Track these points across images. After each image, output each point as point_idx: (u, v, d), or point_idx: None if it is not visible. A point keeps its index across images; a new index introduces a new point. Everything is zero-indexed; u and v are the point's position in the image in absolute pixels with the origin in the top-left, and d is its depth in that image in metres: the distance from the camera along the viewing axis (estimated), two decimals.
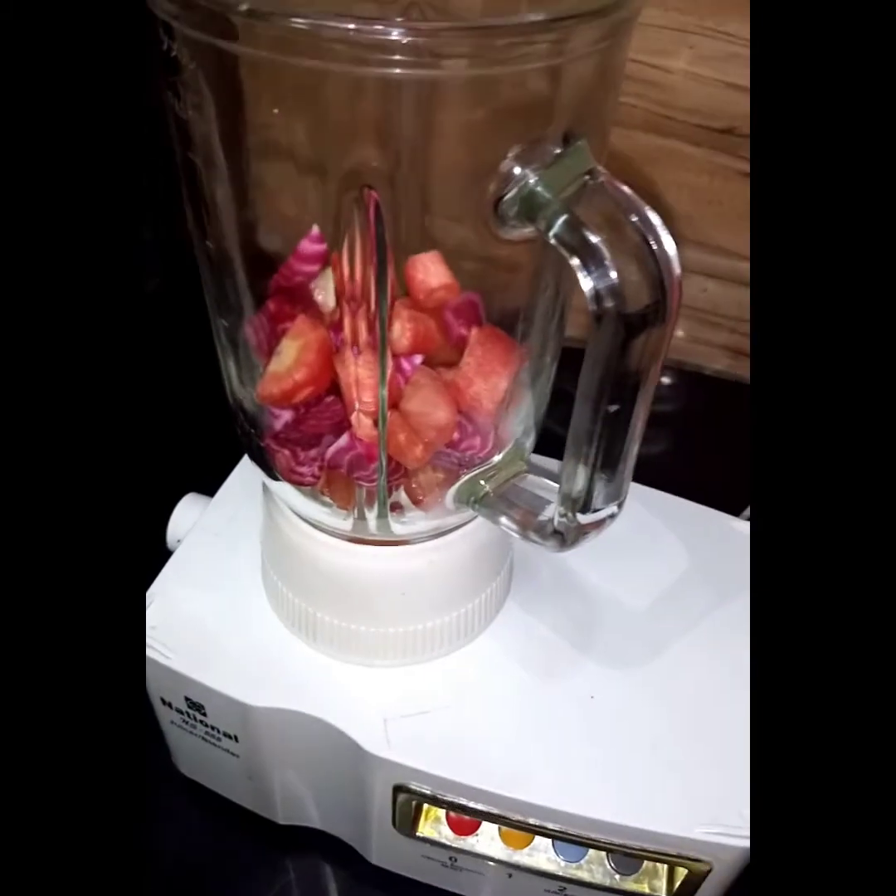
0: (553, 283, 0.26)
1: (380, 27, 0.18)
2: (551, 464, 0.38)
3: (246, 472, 0.42)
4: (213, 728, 0.36)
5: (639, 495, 0.42)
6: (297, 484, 0.30)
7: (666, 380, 0.65)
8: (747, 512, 0.52)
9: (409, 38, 0.18)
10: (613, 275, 0.20)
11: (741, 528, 0.42)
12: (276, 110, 0.21)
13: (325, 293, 0.29)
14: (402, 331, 0.27)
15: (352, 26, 0.18)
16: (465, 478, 0.29)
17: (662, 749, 0.33)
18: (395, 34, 0.18)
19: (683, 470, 0.60)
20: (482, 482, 0.29)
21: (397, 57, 0.19)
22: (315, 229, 0.28)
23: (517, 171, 0.21)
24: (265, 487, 0.34)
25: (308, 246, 0.29)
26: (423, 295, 0.29)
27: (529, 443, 0.31)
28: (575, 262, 0.21)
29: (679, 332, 0.65)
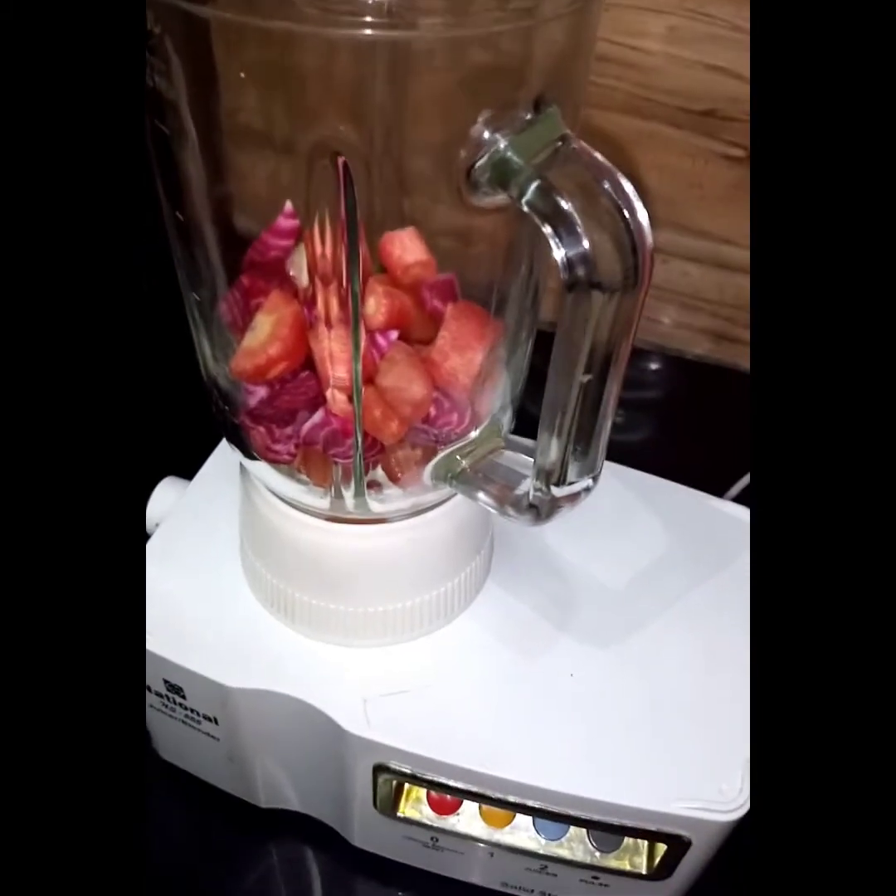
0: (527, 257, 0.26)
1: None
2: (530, 443, 0.38)
3: (224, 455, 0.42)
4: (192, 711, 0.36)
5: (619, 475, 0.42)
6: (273, 462, 0.30)
7: (648, 364, 0.65)
8: (731, 493, 0.53)
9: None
10: (585, 242, 0.20)
11: (720, 507, 0.42)
12: (242, 74, 0.21)
13: (298, 268, 0.29)
14: (377, 306, 0.27)
15: None
16: (443, 454, 0.29)
17: (641, 726, 0.33)
18: None
19: (665, 453, 0.61)
20: (459, 458, 0.29)
21: (367, 18, 0.19)
22: (288, 205, 0.28)
23: (487, 135, 0.21)
24: (242, 467, 0.34)
25: (282, 221, 0.28)
26: (399, 271, 0.29)
27: (506, 419, 0.31)
28: (547, 229, 0.20)
29: (664, 319, 0.65)
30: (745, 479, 0.54)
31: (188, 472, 0.41)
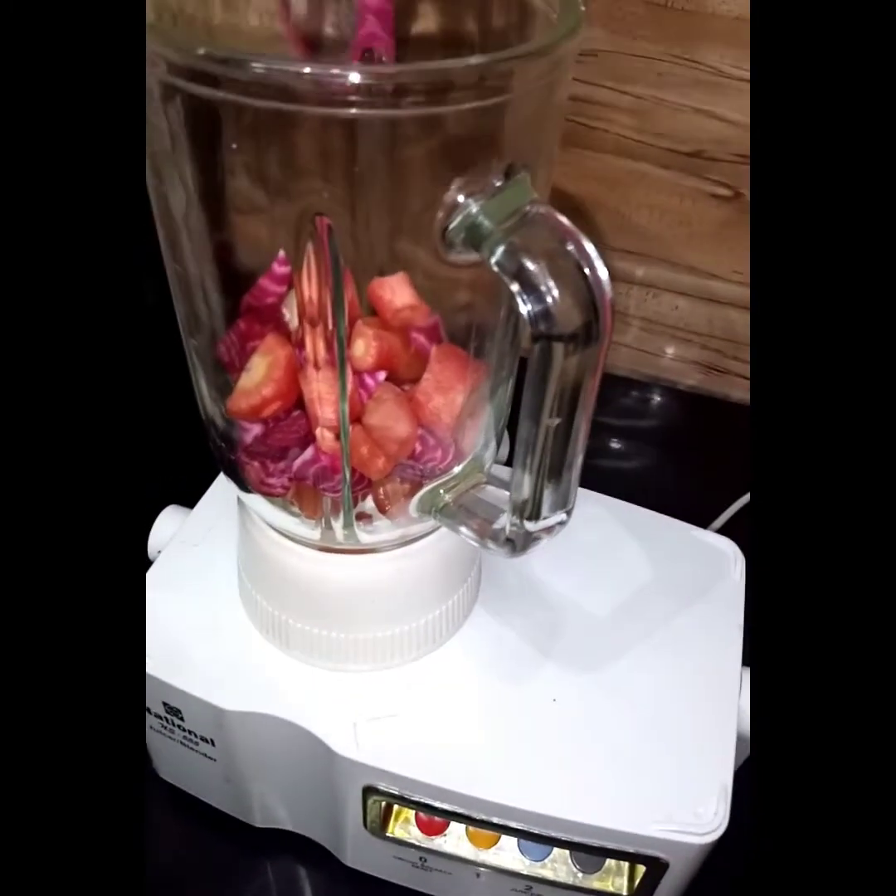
0: (506, 302, 0.28)
1: (335, 71, 0.20)
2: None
3: (223, 485, 0.43)
4: (190, 732, 0.37)
5: (605, 505, 0.44)
6: (267, 495, 0.31)
7: (639, 395, 0.67)
8: (716, 523, 0.54)
9: (362, 81, 0.20)
10: (549, 299, 0.22)
11: (703, 538, 0.43)
12: (233, 145, 0.23)
13: (290, 312, 0.30)
14: (366, 348, 0.29)
15: (307, 70, 0.20)
16: (427, 488, 0.30)
17: (621, 750, 0.34)
18: (351, 78, 0.20)
19: (656, 483, 0.62)
20: (442, 492, 0.30)
21: (350, 98, 0.20)
22: (282, 253, 0.30)
23: (461, 200, 0.22)
24: (239, 499, 0.35)
25: (276, 268, 0.30)
26: (389, 314, 0.30)
27: (488, 454, 0.33)
28: (514, 287, 0.22)
29: (668, 350, 0.67)
30: (732, 509, 0.55)
31: (189, 501, 0.43)
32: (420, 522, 0.32)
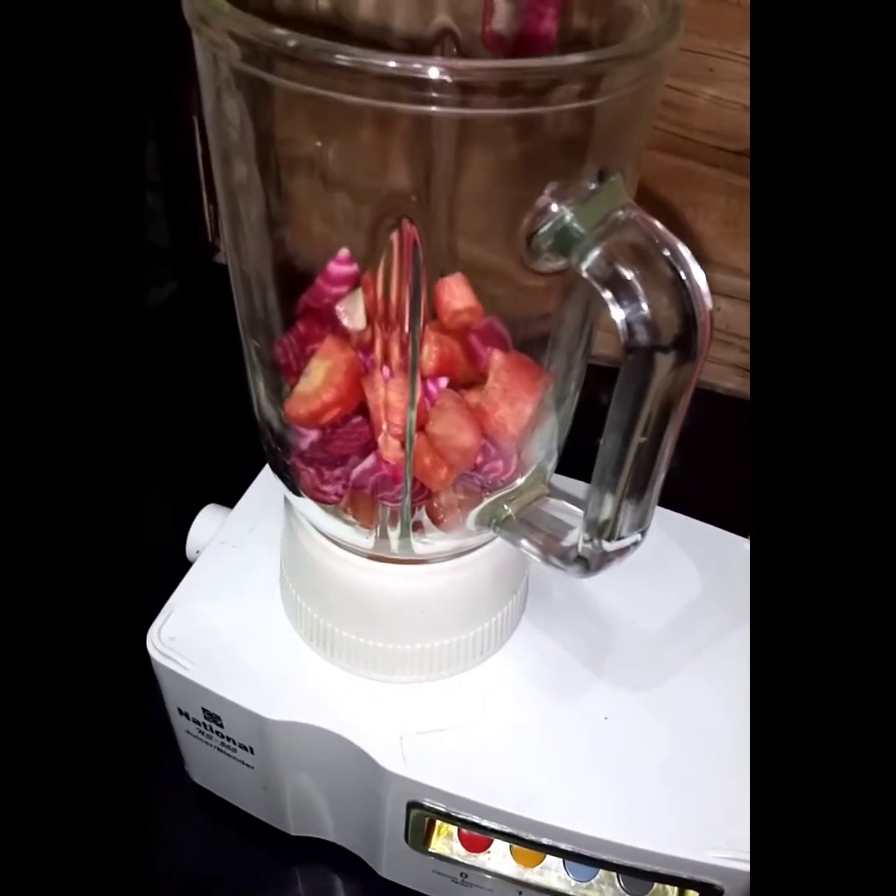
0: (581, 312, 0.27)
1: (418, 66, 0.19)
2: (570, 484, 0.38)
3: (265, 483, 0.42)
4: (229, 739, 0.36)
5: (656, 516, 0.42)
6: (321, 502, 0.30)
7: None
8: None
9: (447, 78, 0.19)
10: (646, 308, 0.21)
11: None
12: (318, 143, 0.21)
13: (353, 314, 0.29)
14: (429, 353, 0.28)
15: (392, 64, 0.19)
16: (488, 500, 0.29)
17: (674, 771, 0.33)
18: (433, 73, 0.19)
19: (696, 488, 0.61)
20: (504, 505, 0.29)
21: (435, 95, 0.19)
22: (344, 251, 0.29)
23: (553, 207, 0.21)
24: (287, 502, 0.34)
25: (336, 268, 0.29)
26: (447, 317, 0.29)
27: (551, 466, 0.31)
28: (607, 295, 0.21)
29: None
30: None
31: (230, 500, 0.42)
32: (475, 534, 0.31)
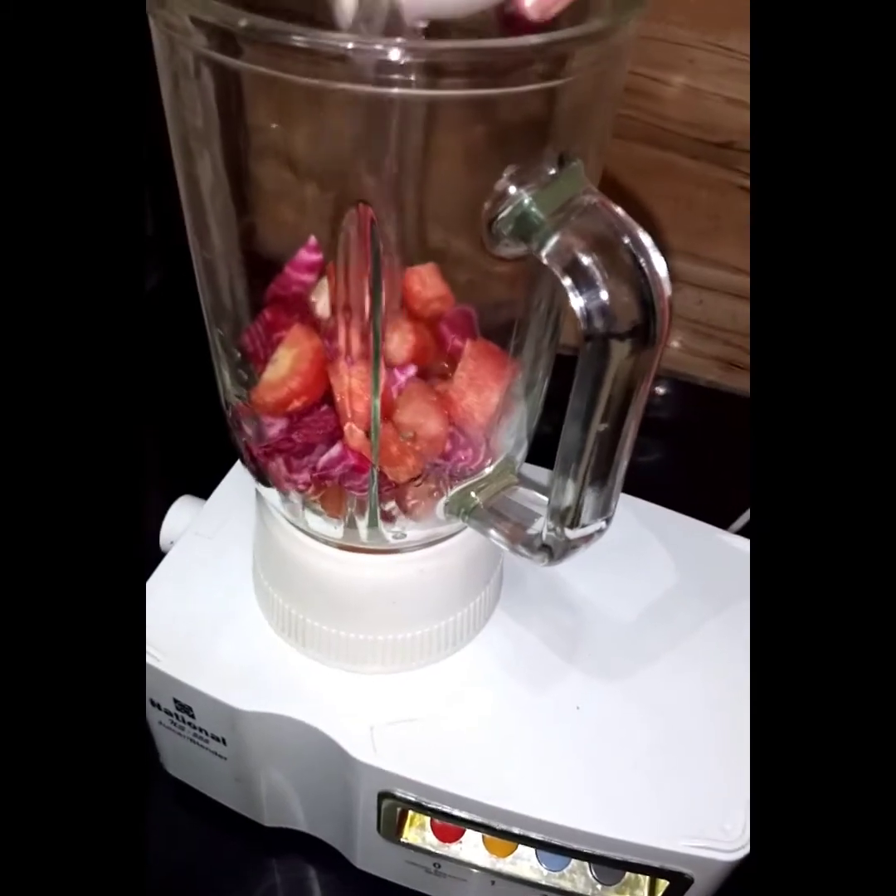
0: (547, 298, 0.27)
1: (378, 47, 0.19)
2: (541, 473, 0.38)
3: (240, 475, 0.42)
4: (201, 730, 0.36)
5: (630, 506, 0.42)
6: (289, 492, 0.30)
7: (659, 390, 0.65)
8: (736, 524, 0.53)
9: (407, 58, 0.19)
10: (604, 295, 0.21)
11: (730, 541, 0.42)
12: (274, 125, 0.21)
13: (320, 303, 0.29)
14: (401, 342, 0.28)
15: (350, 45, 0.18)
16: (456, 489, 0.29)
17: (647, 761, 0.33)
18: (392, 54, 0.19)
19: (675, 480, 0.61)
20: (472, 494, 0.29)
21: (395, 76, 0.19)
22: (312, 239, 0.28)
23: (512, 190, 0.21)
24: (258, 493, 0.34)
25: (305, 255, 0.29)
26: (418, 305, 0.29)
27: (520, 455, 0.31)
28: (567, 282, 0.21)
29: (674, 343, 0.66)
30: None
31: (204, 491, 0.42)
32: (445, 523, 0.31)
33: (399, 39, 0.19)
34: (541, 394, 0.30)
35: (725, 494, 0.54)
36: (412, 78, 0.19)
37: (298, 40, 0.18)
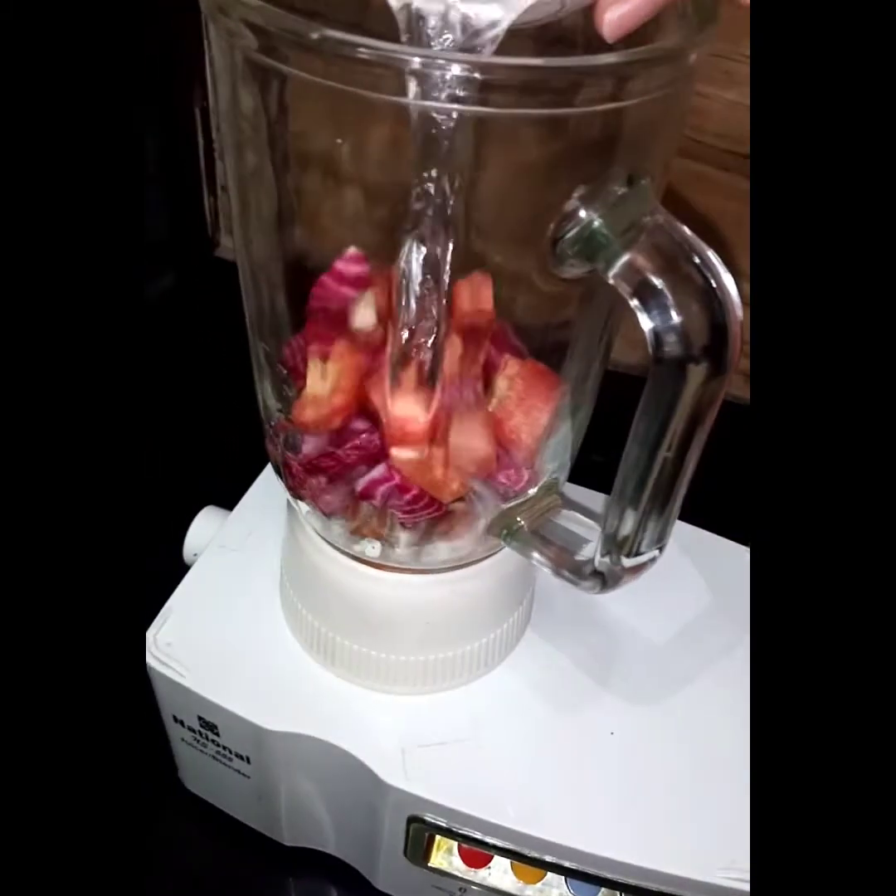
0: (601, 320, 0.26)
1: (442, 62, 0.18)
2: (579, 492, 0.37)
3: (265, 485, 0.41)
4: (225, 748, 0.35)
5: None
6: (326, 511, 0.29)
7: None
8: None
9: (472, 75, 0.18)
10: (676, 317, 0.20)
11: None
12: (337, 139, 0.21)
13: (363, 315, 0.28)
14: (445, 359, 0.27)
15: (417, 60, 0.18)
16: (500, 510, 0.28)
17: (681, 789, 0.33)
18: (456, 70, 0.18)
19: (697, 490, 0.60)
20: (516, 517, 0.28)
21: (458, 93, 0.18)
22: (352, 250, 0.28)
23: (580, 212, 0.20)
24: (289, 506, 0.34)
25: (344, 267, 0.28)
26: (463, 319, 0.28)
27: (564, 475, 0.31)
28: (635, 303, 0.20)
29: None
30: None
31: (229, 501, 0.41)
32: (484, 544, 0.30)
33: (462, 55, 0.19)
34: (588, 415, 0.30)
35: (743, 506, 0.54)
36: (475, 95, 0.18)
37: (365, 54, 0.18)
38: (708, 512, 0.42)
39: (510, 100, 0.18)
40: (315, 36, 0.17)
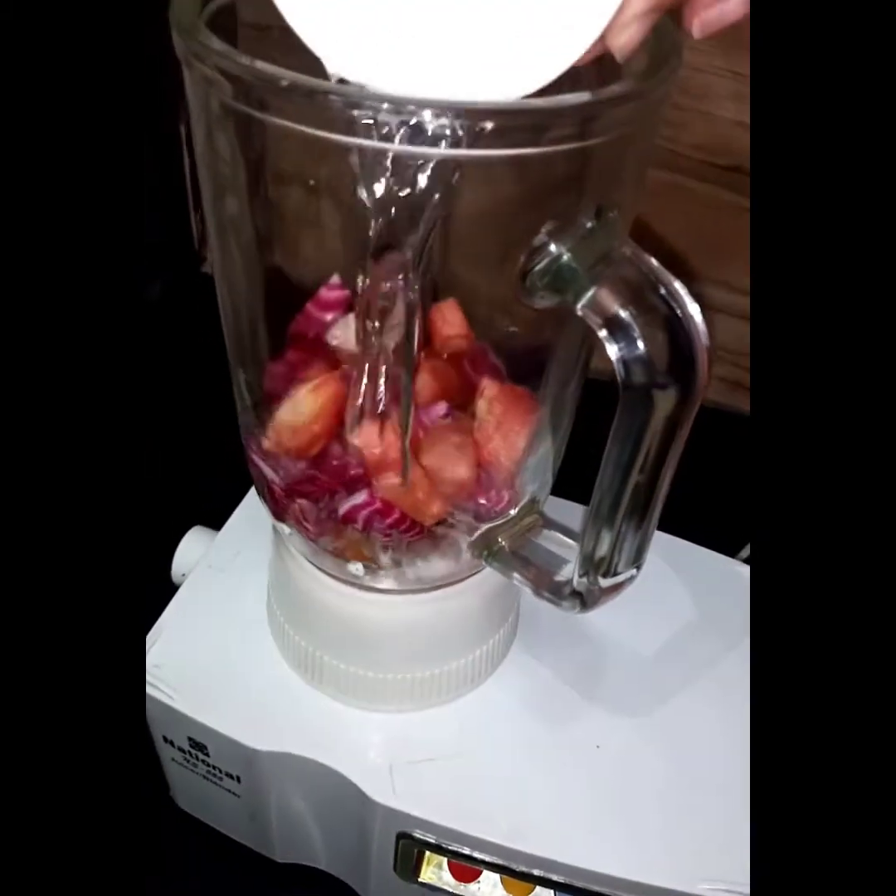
0: (577, 343, 0.26)
1: (412, 107, 0.18)
2: (562, 506, 0.38)
3: (252, 505, 0.42)
4: (215, 768, 0.36)
5: None
6: (309, 535, 0.30)
7: None
8: (746, 551, 0.53)
9: (441, 120, 0.18)
10: (642, 347, 0.21)
11: (743, 571, 0.42)
12: (311, 181, 0.21)
13: (344, 339, 0.29)
14: (424, 382, 0.27)
15: (387, 106, 0.18)
16: (481, 531, 0.29)
17: (668, 801, 0.33)
18: (426, 115, 0.18)
19: (680, 500, 0.60)
20: (498, 537, 0.29)
21: (428, 136, 0.19)
22: (334, 278, 0.28)
23: (549, 246, 0.21)
24: (275, 528, 0.34)
25: (327, 293, 0.29)
26: (439, 342, 0.29)
27: (544, 494, 0.31)
28: (603, 334, 0.21)
29: None
30: None
31: (216, 521, 0.41)
32: (466, 564, 0.31)
33: (432, 100, 0.19)
34: (567, 433, 0.30)
35: (733, 515, 0.54)
36: (445, 138, 0.19)
37: (336, 100, 0.18)
38: (693, 524, 0.43)
39: (479, 142, 0.18)
40: (285, 84, 0.18)
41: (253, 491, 0.42)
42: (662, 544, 0.42)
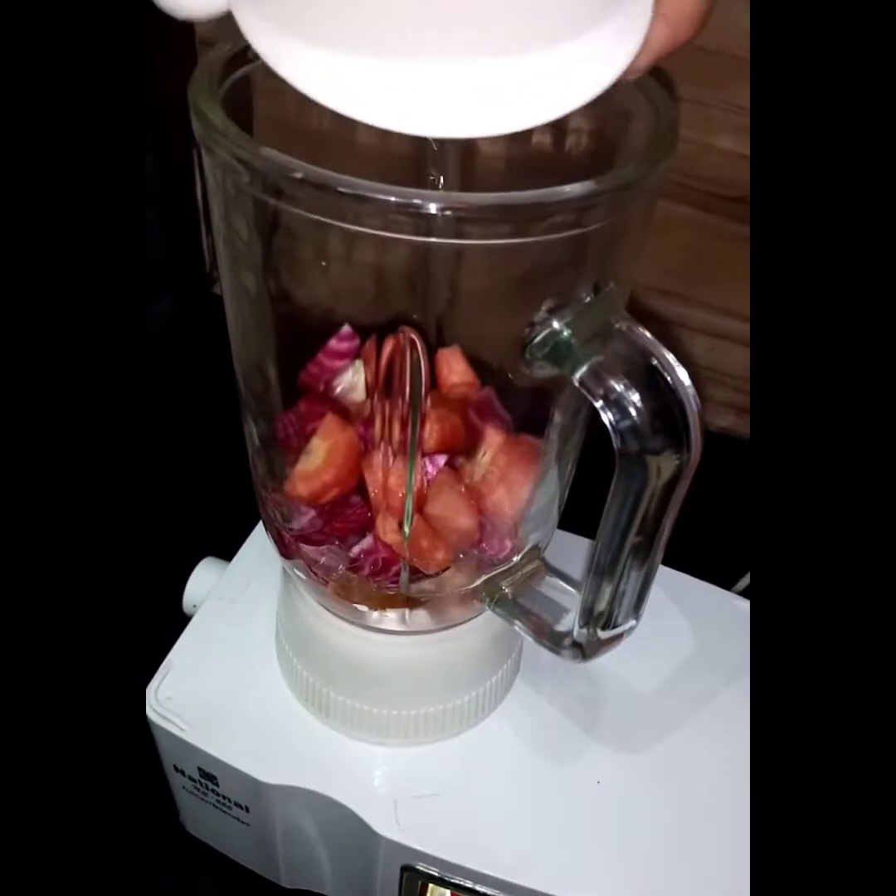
0: (578, 400, 0.27)
1: (417, 200, 0.19)
2: (564, 537, 0.38)
3: (263, 537, 0.42)
4: (224, 797, 0.37)
5: None
6: (318, 579, 0.31)
7: None
8: (745, 580, 0.53)
9: (445, 212, 0.19)
10: (635, 416, 0.21)
11: (744, 607, 0.42)
12: (323, 262, 0.22)
13: (353, 388, 0.30)
14: (429, 430, 0.28)
15: (394, 199, 0.19)
16: (484, 577, 0.30)
17: (668, 836, 0.34)
18: (431, 207, 0.19)
19: (686, 526, 0.61)
20: (500, 583, 0.30)
21: (433, 226, 0.20)
22: (346, 328, 0.29)
23: (548, 322, 0.22)
24: (284, 568, 0.35)
25: (337, 344, 0.29)
26: (444, 389, 0.30)
27: (546, 539, 0.32)
28: (599, 404, 0.22)
29: (702, 391, 0.66)
30: None
31: (227, 552, 0.42)
32: (469, 608, 0.32)
33: (437, 192, 0.20)
34: (567, 487, 0.31)
35: (739, 541, 0.54)
36: (448, 228, 0.20)
37: (346, 191, 0.19)
38: (689, 552, 0.43)
39: (480, 231, 0.19)
40: (298, 176, 0.19)
41: (262, 524, 0.43)
42: (662, 578, 0.42)
